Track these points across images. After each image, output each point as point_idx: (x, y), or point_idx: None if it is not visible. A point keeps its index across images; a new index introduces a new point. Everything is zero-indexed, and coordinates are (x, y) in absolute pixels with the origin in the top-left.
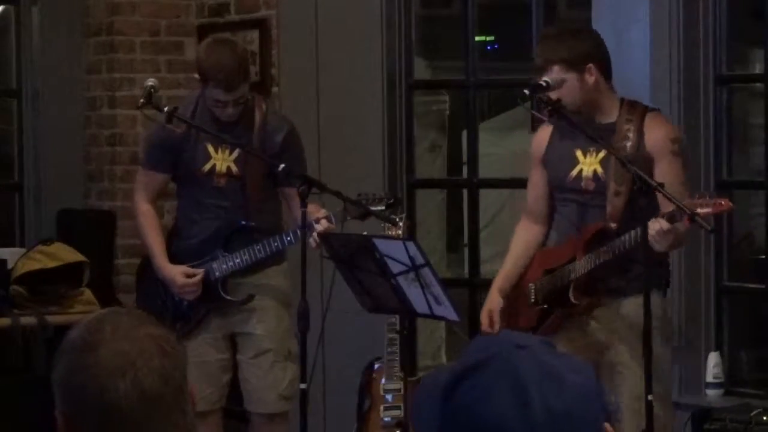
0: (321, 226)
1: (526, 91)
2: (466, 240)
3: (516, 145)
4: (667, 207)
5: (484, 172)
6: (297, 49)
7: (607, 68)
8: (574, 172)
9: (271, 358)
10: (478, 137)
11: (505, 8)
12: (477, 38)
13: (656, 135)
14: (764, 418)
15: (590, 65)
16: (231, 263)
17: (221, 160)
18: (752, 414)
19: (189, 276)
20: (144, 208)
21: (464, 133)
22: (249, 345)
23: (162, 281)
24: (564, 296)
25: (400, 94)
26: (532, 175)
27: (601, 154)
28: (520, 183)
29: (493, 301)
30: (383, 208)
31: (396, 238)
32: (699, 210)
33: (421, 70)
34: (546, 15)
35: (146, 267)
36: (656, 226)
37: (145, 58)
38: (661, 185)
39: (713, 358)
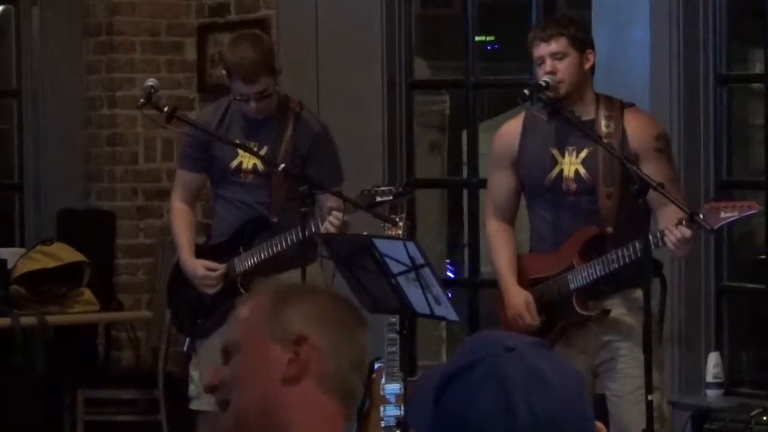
0: (334, 218)
1: (526, 91)
2: (466, 240)
3: None
4: (664, 205)
5: (484, 172)
6: (297, 49)
7: (594, 66)
8: (554, 173)
9: None
10: (478, 137)
11: (505, 8)
12: (477, 38)
13: (639, 132)
14: (764, 418)
15: (590, 50)
16: (251, 259)
17: (248, 157)
18: (752, 414)
19: (211, 270)
20: (177, 206)
21: (464, 133)
22: None
23: (187, 277)
24: (567, 307)
25: (400, 94)
26: (498, 176)
27: (583, 154)
28: None
29: (523, 292)
30: (391, 197)
31: (396, 238)
32: (723, 214)
33: (421, 70)
34: (546, 15)
35: (178, 266)
36: (677, 234)
37: (145, 58)
38: (662, 185)
39: (713, 358)
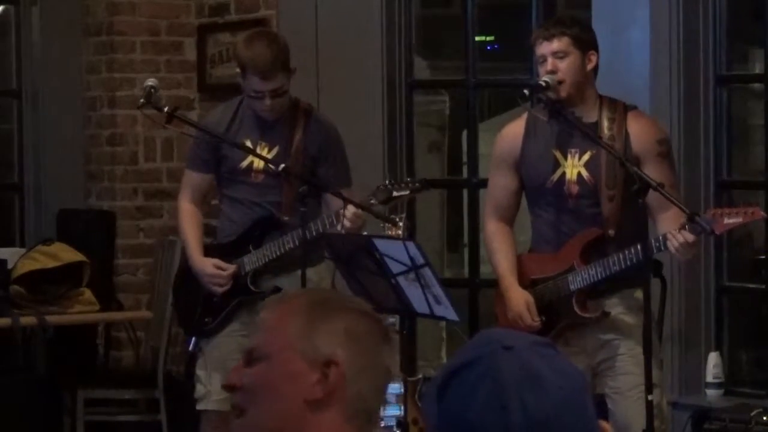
0: (349, 211)
1: (526, 91)
2: (466, 240)
3: None
4: (664, 209)
5: (484, 172)
6: (297, 49)
7: (597, 67)
8: (556, 176)
9: None
10: (478, 137)
11: (505, 8)
12: (477, 38)
13: (642, 136)
14: (764, 418)
15: (593, 51)
16: (261, 256)
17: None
18: (752, 414)
19: (220, 269)
20: (185, 207)
21: (464, 133)
22: None
23: (195, 275)
24: (567, 308)
25: (400, 94)
26: (499, 177)
27: (586, 156)
28: None
29: (524, 293)
30: (408, 192)
31: (396, 238)
32: (726, 220)
33: (421, 70)
34: (546, 15)
35: (184, 265)
36: (680, 238)
37: (145, 58)
38: (661, 185)
39: (713, 358)
